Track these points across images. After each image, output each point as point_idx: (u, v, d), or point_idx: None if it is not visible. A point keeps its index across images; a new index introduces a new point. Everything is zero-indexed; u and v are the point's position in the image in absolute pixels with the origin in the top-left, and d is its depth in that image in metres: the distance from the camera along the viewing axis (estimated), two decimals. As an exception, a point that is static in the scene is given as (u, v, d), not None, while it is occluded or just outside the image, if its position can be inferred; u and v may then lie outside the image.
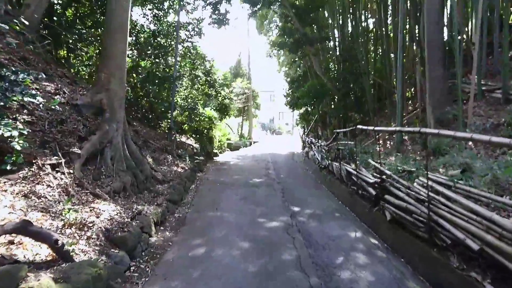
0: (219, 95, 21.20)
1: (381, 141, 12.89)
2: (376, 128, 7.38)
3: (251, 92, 30.99)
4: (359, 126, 8.34)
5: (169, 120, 13.42)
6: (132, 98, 13.22)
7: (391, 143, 12.40)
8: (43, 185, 4.75)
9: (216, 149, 21.33)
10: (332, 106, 18.73)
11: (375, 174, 8.10)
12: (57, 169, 5.22)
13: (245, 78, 31.89)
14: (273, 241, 6.03)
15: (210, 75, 20.74)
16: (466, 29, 11.10)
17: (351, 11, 16.86)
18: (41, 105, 5.38)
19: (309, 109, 23.24)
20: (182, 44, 17.29)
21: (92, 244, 4.23)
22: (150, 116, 13.82)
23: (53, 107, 5.41)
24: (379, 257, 5.62)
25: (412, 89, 14.38)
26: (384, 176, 7.28)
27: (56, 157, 5.30)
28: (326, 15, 18.35)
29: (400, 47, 10.18)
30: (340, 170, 10.70)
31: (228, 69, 32.35)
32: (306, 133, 20.78)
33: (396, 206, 6.28)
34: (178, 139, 15.19)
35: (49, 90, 6.45)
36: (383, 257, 5.60)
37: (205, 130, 19.12)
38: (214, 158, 19.74)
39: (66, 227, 4.20)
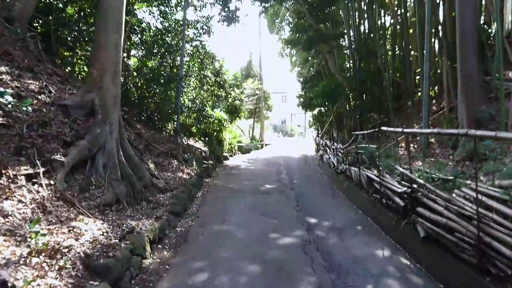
0: (229, 96, 20.43)
1: (402, 144, 11.87)
2: (406, 130, 6.41)
3: (262, 93, 30.14)
4: (384, 128, 7.40)
5: (175, 123, 12.65)
6: (137, 99, 12.52)
7: (415, 146, 11.36)
8: (12, 200, 3.98)
9: (226, 152, 20.55)
10: (348, 107, 17.72)
11: (403, 182, 7.14)
12: (34, 180, 4.45)
13: (256, 79, 31.07)
14: (287, 264, 5.13)
15: (220, 75, 20.01)
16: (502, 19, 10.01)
17: (367, 4, 15.87)
18: (9, 105, 4.62)
19: (323, 110, 22.28)
20: (190, 43, 16.59)
21: (65, 275, 3.42)
22: (156, 118, 13.09)
23: (28, 107, 4.65)
24: (416, 284, 4.68)
25: (436, 87, 13.31)
26: (415, 185, 6.33)
27: (34, 166, 4.52)
28: (341, 12, 17.36)
29: (427, 40, 9.16)
30: (359, 175, 9.75)
31: (239, 70, 31.59)
32: (320, 135, 19.80)
33: (432, 222, 5.32)
34: (185, 142, 14.44)
35: (32, 89, 5.72)
36: (420, 284, 4.66)
37: (215, 133, 18.34)
38: (224, 161, 18.93)
39: (33, 255, 3.40)
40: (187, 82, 14.16)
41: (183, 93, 13.81)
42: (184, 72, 12.83)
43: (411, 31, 14.68)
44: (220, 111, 17.96)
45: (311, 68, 21.76)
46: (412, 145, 11.05)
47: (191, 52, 16.84)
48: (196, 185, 9.90)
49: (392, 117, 12.80)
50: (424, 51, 9.20)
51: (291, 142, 37.31)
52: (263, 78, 31.54)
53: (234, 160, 20.05)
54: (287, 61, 36.47)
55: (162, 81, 12.50)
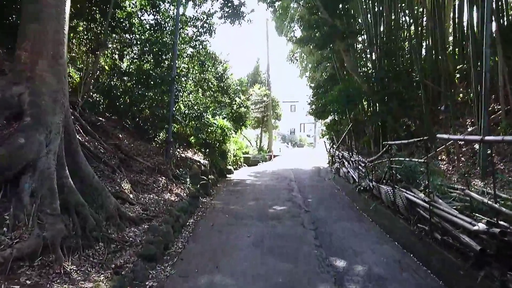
0: (233, 102, 18.50)
1: (443, 157, 9.70)
2: (489, 138, 4.28)
3: (270, 101, 28.14)
4: (442, 136, 5.30)
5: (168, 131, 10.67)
6: (122, 104, 10.62)
7: (456, 158, 9.16)
8: None
9: (230, 164, 18.50)
10: (368, 113, 15.62)
11: (476, 214, 5.02)
12: None
13: (264, 86, 29.10)
14: None
15: (223, 80, 18.14)
16: None
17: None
18: None
19: (337, 118, 20.18)
20: (189, 43, 14.77)
21: None
22: (146, 126, 11.15)
23: None
24: None
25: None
26: (503, 222, 4.21)
27: None
28: (360, 5, 15.37)
29: (487, 18, 7.03)
30: (393, 196, 7.63)
31: (245, 76, 29.77)
32: (335, 146, 17.65)
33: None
34: (181, 154, 12.46)
35: None
36: None
37: (217, 143, 16.35)
38: (228, 175, 16.88)
39: None
40: (183, 85, 12.23)
41: (179, 98, 11.89)
42: (177, 72, 10.87)
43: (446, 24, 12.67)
44: (223, 119, 15.99)
45: (324, 72, 19.74)
46: (456, 157, 8.86)
47: (191, 54, 15.03)
48: (187, 209, 7.84)
49: (427, 123, 10.62)
50: (484, 36, 7.06)
51: (301, 153, 35.11)
52: (271, 85, 29.63)
53: (239, 174, 17.97)
54: (296, 69, 34.69)
55: (152, 83, 10.59)
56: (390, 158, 8.04)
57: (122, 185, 6.57)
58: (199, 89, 16.01)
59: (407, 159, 7.44)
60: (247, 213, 8.78)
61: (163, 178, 8.64)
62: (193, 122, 12.92)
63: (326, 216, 8.78)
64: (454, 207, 5.76)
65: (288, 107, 48.19)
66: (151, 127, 10.96)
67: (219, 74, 17.92)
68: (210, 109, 13.78)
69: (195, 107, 12.72)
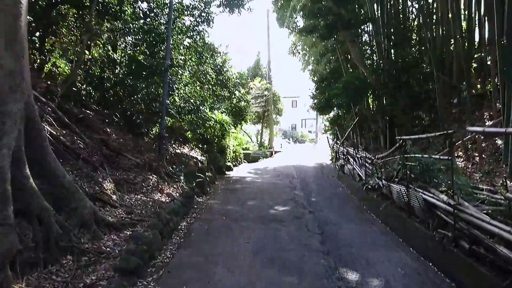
0: (233, 96, 17.70)
1: (460, 153, 8.90)
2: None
3: (271, 95, 27.28)
4: (474, 128, 4.53)
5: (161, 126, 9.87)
6: (112, 97, 9.85)
7: (484, 155, 8.33)
8: None
9: (230, 161, 17.74)
10: (374, 107, 14.84)
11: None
12: None
13: (264, 79, 28.22)
14: None
15: (222, 72, 17.33)
16: None
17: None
18: None
19: (340, 112, 19.38)
20: (186, 33, 13.95)
21: None
22: (138, 120, 10.36)
23: None
24: None
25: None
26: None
27: None
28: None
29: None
30: (407, 197, 6.88)
31: (246, 70, 28.89)
32: (340, 142, 16.85)
33: None
34: (176, 150, 11.71)
35: None
36: None
37: (216, 139, 15.59)
38: (227, 172, 16.12)
39: None
40: (179, 77, 11.44)
41: (174, 90, 11.10)
42: (170, 62, 10.05)
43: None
44: (222, 113, 15.21)
45: (328, 64, 18.89)
46: (477, 153, 8.05)
47: (187, 44, 14.21)
48: (179, 211, 7.07)
49: (442, 117, 9.81)
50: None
51: (303, 149, 34.32)
52: (272, 79, 28.78)
53: (239, 171, 17.21)
54: (298, 63, 33.63)
55: (145, 74, 9.80)
56: (404, 154, 7.25)
57: (105, 185, 5.81)
58: (197, 82, 15.21)
59: (425, 155, 6.64)
60: (246, 215, 8.03)
61: (154, 176, 7.87)
62: (189, 116, 12.15)
63: (332, 218, 8.03)
64: (484, 211, 4.99)
65: (289, 103, 47.32)
66: (144, 121, 10.18)
67: (218, 66, 17.11)
68: (208, 103, 12.97)
69: (192, 100, 11.92)
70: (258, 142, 30.06)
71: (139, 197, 6.42)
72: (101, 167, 6.17)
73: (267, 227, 7.05)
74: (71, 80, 8.40)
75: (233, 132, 18.96)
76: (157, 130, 10.09)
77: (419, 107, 11.88)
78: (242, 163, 20.68)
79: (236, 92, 17.88)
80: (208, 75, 15.46)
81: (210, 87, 16.95)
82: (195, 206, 8.53)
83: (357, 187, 11.52)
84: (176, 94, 11.42)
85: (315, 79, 21.00)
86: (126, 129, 9.55)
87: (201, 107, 11.70)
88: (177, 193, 7.81)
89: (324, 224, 7.45)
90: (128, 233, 4.97)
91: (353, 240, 6.39)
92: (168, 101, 11.17)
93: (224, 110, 15.57)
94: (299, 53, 24.29)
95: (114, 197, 5.74)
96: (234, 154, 18.67)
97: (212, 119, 14.39)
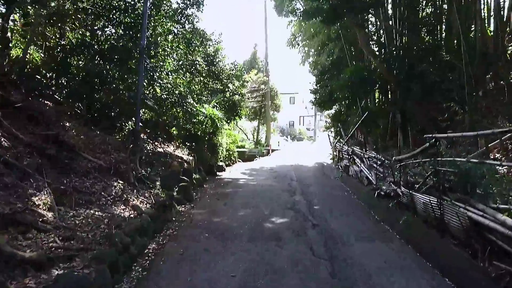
0: (226, 89, 16.09)
1: (497, 155, 7.36)
2: None
3: (268, 89, 25.62)
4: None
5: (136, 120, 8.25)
6: (79, 86, 8.23)
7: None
8: None
9: (222, 160, 16.16)
10: (383, 101, 13.28)
11: None
12: None
13: (261, 72, 26.50)
14: None
15: (215, 63, 15.73)
16: None
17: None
18: None
19: (343, 108, 17.84)
20: (172, 18, 12.31)
21: None
22: (109, 113, 8.73)
23: None
24: None
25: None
26: None
27: None
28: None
29: None
30: (440, 212, 5.39)
31: (242, 63, 27.22)
32: (344, 140, 15.27)
33: None
34: (158, 149, 10.11)
35: None
36: None
37: (206, 136, 14.00)
38: (219, 173, 14.55)
39: None
40: (160, 63, 9.82)
41: (155, 79, 9.49)
42: (146, 43, 8.39)
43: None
44: (214, 107, 13.61)
45: (330, 56, 17.26)
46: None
47: (174, 30, 12.56)
48: (149, 228, 5.51)
49: (471, 110, 8.26)
50: None
51: (301, 148, 32.73)
52: (270, 74, 27.09)
53: (232, 172, 15.63)
54: (297, 55, 32.25)
55: (115, 56, 8.20)
56: (436, 157, 5.71)
57: (37, 198, 4.22)
58: (186, 73, 13.59)
59: (474, 160, 5.09)
60: (235, 230, 6.46)
61: (120, 182, 6.27)
62: (173, 110, 10.57)
63: (341, 233, 6.49)
64: None
65: (287, 99, 45.57)
66: (116, 115, 8.56)
67: (210, 56, 15.51)
68: (195, 94, 11.34)
69: (176, 92, 10.30)
70: (255, 140, 28.46)
71: (92, 213, 4.83)
72: (37, 173, 4.58)
73: (261, 250, 5.49)
74: (21, 63, 6.78)
75: (226, 129, 17.40)
76: (133, 125, 8.48)
77: (437, 99, 10.33)
78: (236, 162, 19.10)
79: (230, 85, 16.27)
80: (198, 65, 13.85)
81: (202, 79, 15.37)
82: (174, 218, 6.95)
83: (365, 192, 10.01)
84: (158, 84, 9.80)
85: (316, 72, 19.42)
86: (92, 123, 7.94)
87: (187, 100, 10.10)
88: (148, 204, 6.21)
89: (333, 244, 5.91)
90: (56, 272, 3.39)
91: (371, 266, 4.87)
92: (147, 91, 9.58)
93: (216, 104, 13.95)
94: (298, 44, 22.68)
95: (49, 215, 4.15)
96: (227, 153, 17.08)
97: (201, 114, 12.83)
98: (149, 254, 5.04)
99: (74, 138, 6.51)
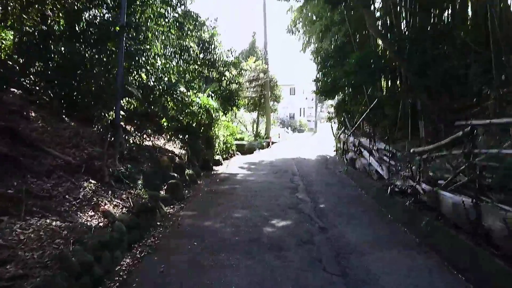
0: (223, 78, 15.02)
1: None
2: None
3: (268, 79, 24.46)
4: None
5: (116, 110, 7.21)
6: (50, 70, 7.19)
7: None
8: None
9: (219, 154, 15.17)
10: (389, 89, 12.22)
11: None
12: None
13: (261, 60, 25.26)
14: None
15: (210, 49, 14.64)
16: None
17: None
18: None
19: (348, 97, 16.78)
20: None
21: None
22: (92, 102, 7.69)
23: None
24: None
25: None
26: None
27: None
28: None
29: None
30: (477, 215, 4.42)
31: (240, 53, 26.04)
32: (350, 131, 14.24)
33: None
34: (146, 143, 9.11)
35: None
36: None
37: (202, 128, 12.99)
38: (215, 168, 13.58)
39: None
40: (146, 46, 8.74)
41: (140, 63, 8.44)
42: (127, 20, 7.30)
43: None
44: (209, 97, 12.55)
45: (334, 41, 16.10)
46: None
47: (165, 13, 11.46)
48: (124, 239, 4.53)
49: (499, 98, 7.22)
50: None
51: (302, 139, 31.71)
52: (269, 63, 25.90)
53: (230, 166, 14.65)
54: (296, 48, 31.24)
55: (93, 37, 7.15)
56: (473, 148, 4.69)
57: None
58: (180, 60, 12.50)
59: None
60: (229, 238, 5.49)
61: (93, 182, 5.27)
62: (164, 99, 9.53)
63: (355, 240, 5.51)
64: None
65: (287, 90, 44.33)
66: (93, 104, 7.50)
67: (205, 42, 14.41)
68: (184, 81, 10.25)
69: (165, 78, 9.25)
70: (254, 132, 27.41)
71: (47, 223, 3.85)
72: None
73: (259, 264, 4.52)
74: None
75: (224, 121, 16.36)
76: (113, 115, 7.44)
77: (455, 86, 9.28)
78: (234, 155, 18.11)
79: (227, 73, 15.19)
80: (191, 51, 12.74)
81: (196, 67, 14.29)
82: (158, 223, 5.97)
83: (376, 188, 9.03)
84: (144, 70, 8.75)
85: (318, 59, 18.22)
86: (65, 114, 6.91)
87: (179, 88, 9.05)
88: (124, 208, 5.21)
89: (345, 254, 4.94)
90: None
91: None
92: (132, 78, 8.54)
93: (211, 93, 12.88)
94: (298, 31, 21.49)
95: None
96: (224, 146, 16.06)
97: (195, 104, 11.80)
98: (120, 273, 4.07)
99: (38, 130, 5.49)
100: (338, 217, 6.93)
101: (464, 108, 8.40)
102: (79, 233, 3.95)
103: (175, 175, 8.37)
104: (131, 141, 8.49)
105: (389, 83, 12.57)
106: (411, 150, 7.00)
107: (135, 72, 8.45)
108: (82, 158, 5.67)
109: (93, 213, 4.60)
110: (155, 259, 4.57)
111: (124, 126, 9.12)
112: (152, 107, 9.02)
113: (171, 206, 7.22)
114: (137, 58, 8.31)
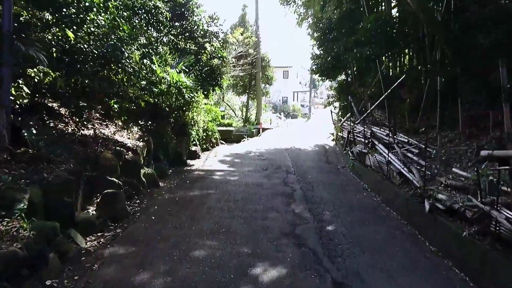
0: (203, 51, 12.18)
1: None
2: None
3: (259, 56, 21.50)
4: None
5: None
6: None
7: None
8: None
9: (197, 144, 12.44)
10: (416, 64, 9.56)
11: None
12: None
13: (251, 34, 22.11)
14: None
15: (186, 15, 11.81)
16: None
17: None
18: None
19: (350, 78, 14.10)
20: None
21: None
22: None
23: None
24: None
25: None
26: None
27: None
28: None
29: None
30: None
31: (228, 28, 22.98)
32: (359, 118, 11.57)
33: None
34: (84, 132, 6.38)
35: None
36: None
37: (173, 113, 10.23)
38: (190, 162, 10.89)
39: None
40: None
41: (64, 15, 5.62)
42: None
43: None
44: (180, 73, 9.75)
45: (337, 8, 13.22)
46: None
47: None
48: None
49: None
50: None
51: (296, 126, 28.97)
52: (261, 40, 22.84)
53: (209, 159, 11.95)
54: (291, 22, 28.65)
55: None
56: None
57: None
58: (148, 26, 9.63)
59: None
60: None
61: None
62: (104, 72, 6.75)
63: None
64: None
65: (280, 74, 41.29)
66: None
67: (179, 4, 11.52)
68: (136, 44, 7.40)
69: (111, 40, 6.44)
70: (243, 117, 24.67)
71: None
72: None
73: None
74: None
75: (206, 104, 13.61)
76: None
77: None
78: (218, 145, 15.42)
79: (207, 46, 12.35)
80: (161, 15, 9.85)
81: (170, 38, 11.43)
82: (48, 283, 3.34)
83: (402, 197, 6.47)
84: (70, 25, 5.89)
85: (317, 34, 15.37)
86: None
87: (123, 51, 6.27)
88: None
89: None
90: None
91: None
92: (50, 36, 5.72)
93: (184, 68, 10.07)
94: (294, 2, 18.59)
95: None
96: (204, 134, 13.33)
97: (164, 81, 9.07)
98: None
99: None
100: (359, 252, 4.39)
101: None
102: None
103: (115, 181, 5.67)
104: (53, 131, 5.76)
105: (414, 56, 9.89)
106: (484, 153, 4.41)
107: (55, 26, 5.63)
108: None
109: None
110: None
111: (47, 106, 6.39)
112: (86, 81, 6.20)
113: (97, 235, 4.58)
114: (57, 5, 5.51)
